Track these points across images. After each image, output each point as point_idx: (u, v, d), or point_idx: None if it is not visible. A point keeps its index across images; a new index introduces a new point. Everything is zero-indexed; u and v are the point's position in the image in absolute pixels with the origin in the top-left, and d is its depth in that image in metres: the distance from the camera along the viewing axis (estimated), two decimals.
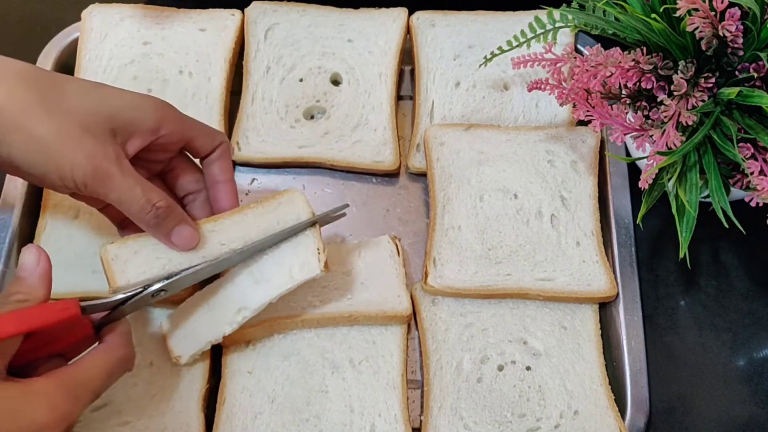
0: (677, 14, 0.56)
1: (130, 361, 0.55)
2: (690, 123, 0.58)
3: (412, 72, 0.78)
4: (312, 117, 0.76)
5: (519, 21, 0.76)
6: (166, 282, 0.56)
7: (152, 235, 0.57)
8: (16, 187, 0.70)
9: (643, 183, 0.60)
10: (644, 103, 0.62)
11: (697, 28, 0.56)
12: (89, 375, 0.50)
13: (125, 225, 0.61)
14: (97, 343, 0.54)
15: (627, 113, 0.62)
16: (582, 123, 0.71)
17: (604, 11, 0.66)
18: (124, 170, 0.53)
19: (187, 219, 0.58)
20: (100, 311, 0.55)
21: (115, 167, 0.52)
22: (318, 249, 0.60)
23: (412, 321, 0.67)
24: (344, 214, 0.64)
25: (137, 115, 0.54)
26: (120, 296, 0.55)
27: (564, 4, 0.70)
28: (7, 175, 0.70)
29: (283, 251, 0.60)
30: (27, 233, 0.68)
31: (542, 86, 0.67)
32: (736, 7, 0.56)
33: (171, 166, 0.62)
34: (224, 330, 0.61)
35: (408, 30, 0.78)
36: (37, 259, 0.52)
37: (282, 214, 0.61)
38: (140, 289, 0.55)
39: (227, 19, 0.78)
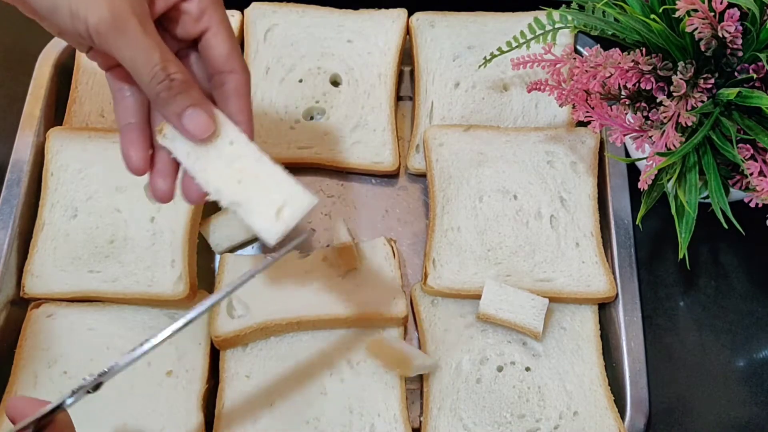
0: (676, 15, 0.56)
1: None
2: (689, 124, 0.58)
3: (412, 73, 0.78)
4: (311, 118, 0.76)
5: (518, 22, 0.76)
6: (96, 377, 0.47)
7: (161, 113, 0.49)
8: (15, 186, 0.69)
9: (643, 184, 0.60)
10: (644, 104, 0.62)
11: (696, 28, 0.56)
12: None
13: (122, 93, 0.52)
14: None
15: (626, 114, 0.62)
16: (581, 124, 0.71)
17: (604, 12, 0.66)
18: (147, 27, 0.46)
19: (205, 103, 0.49)
20: None
21: (137, 21, 0.45)
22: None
23: (410, 321, 0.67)
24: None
25: None
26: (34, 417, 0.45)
27: (563, 5, 0.70)
28: (6, 175, 0.70)
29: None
30: (25, 233, 0.68)
31: (542, 87, 0.67)
32: (736, 8, 0.56)
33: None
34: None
35: (407, 31, 0.78)
36: None
37: None
38: (70, 394, 0.47)
39: None
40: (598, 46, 0.65)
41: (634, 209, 0.70)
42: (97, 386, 0.48)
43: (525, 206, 0.70)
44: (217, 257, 0.70)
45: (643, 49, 0.61)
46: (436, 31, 0.78)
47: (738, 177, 0.61)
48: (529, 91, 0.69)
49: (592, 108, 0.62)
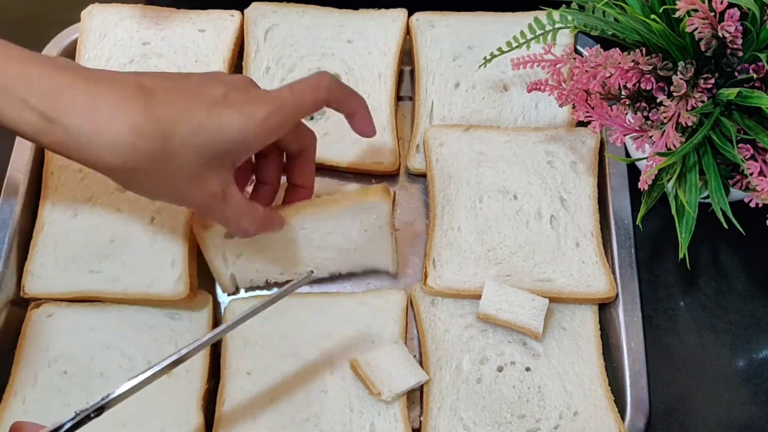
0: (676, 15, 0.56)
1: None
2: (689, 124, 0.58)
3: (412, 73, 0.78)
4: (312, 118, 0.76)
5: (518, 22, 0.76)
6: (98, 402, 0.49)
7: None
8: (15, 186, 0.70)
9: (643, 184, 0.60)
10: (644, 104, 0.62)
11: (696, 28, 0.56)
12: None
13: None
14: None
15: (626, 114, 0.62)
16: (581, 124, 0.71)
17: (604, 12, 0.66)
18: (228, 201, 0.57)
19: (276, 220, 0.62)
20: None
21: (222, 202, 0.56)
22: None
23: (410, 321, 0.67)
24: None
25: (245, 144, 0.55)
26: None
27: (563, 5, 0.70)
28: (6, 175, 0.70)
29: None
30: (26, 232, 0.68)
31: (542, 87, 0.67)
32: (736, 8, 0.56)
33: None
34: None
35: (407, 31, 0.78)
36: None
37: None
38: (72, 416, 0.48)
39: (227, 19, 0.78)
40: (598, 46, 0.65)
41: (634, 209, 0.70)
42: (99, 411, 0.49)
43: (525, 206, 0.70)
44: None
45: (643, 49, 0.61)
46: (436, 31, 0.78)
47: (738, 177, 0.61)
48: (529, 91, 0.69)
49: (592, 108, 0.62)
